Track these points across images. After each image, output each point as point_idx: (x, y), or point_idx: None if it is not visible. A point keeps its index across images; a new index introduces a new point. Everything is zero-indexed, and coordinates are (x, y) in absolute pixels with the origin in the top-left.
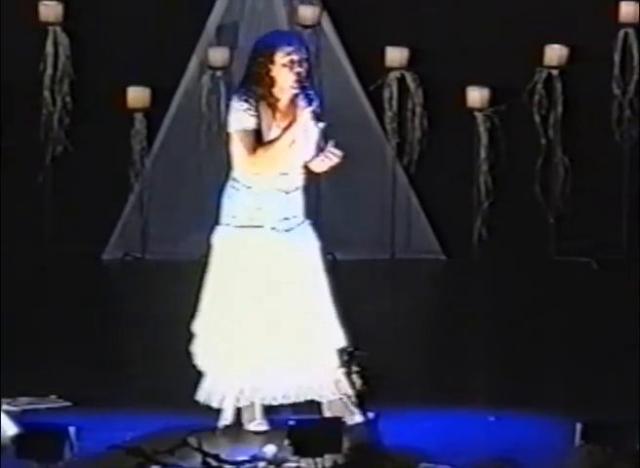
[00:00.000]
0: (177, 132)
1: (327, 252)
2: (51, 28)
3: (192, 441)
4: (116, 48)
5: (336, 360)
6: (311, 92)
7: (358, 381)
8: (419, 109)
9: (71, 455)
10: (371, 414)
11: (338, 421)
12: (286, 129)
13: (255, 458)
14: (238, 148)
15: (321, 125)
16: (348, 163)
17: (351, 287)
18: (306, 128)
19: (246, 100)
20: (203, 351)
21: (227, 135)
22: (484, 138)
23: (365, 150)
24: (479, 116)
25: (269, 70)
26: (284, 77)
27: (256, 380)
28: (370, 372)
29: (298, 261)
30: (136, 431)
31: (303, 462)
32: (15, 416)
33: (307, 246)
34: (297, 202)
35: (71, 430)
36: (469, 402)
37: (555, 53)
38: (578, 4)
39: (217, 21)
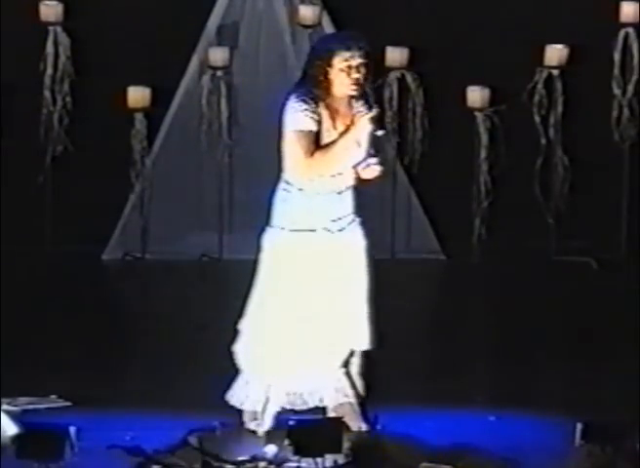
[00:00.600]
0: (177, 132)
1: None
2: (51, 28)
3: (192, 441)
4: (117, 48)
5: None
6: (371, 97)
7: (358, 381)
8: (419, 109)
9: (71, 455)
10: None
11: (338, 421)
12: (343, 133)
13: (255, 458)
14: (294, 149)
15: (380, 132)
16: None
17: None
18: (363, 133)
19: (305, 101)
20: (245, 351)
21: (280, 134)
22: (484, 138)
23: None
24: (479, 116)
25: (327, 74)
26: (342, 81)
27: (297, 384)
28: (370, 372)
29: (347, 261)
30: (136, 431)
31: (304, 462)
32: (15, 416)
33: (356, 244)
34: (347, 200)
35: (71, 430)
36: (469, 402)
37: (555, 53)
38: (578, 4)
39: (217, 21)
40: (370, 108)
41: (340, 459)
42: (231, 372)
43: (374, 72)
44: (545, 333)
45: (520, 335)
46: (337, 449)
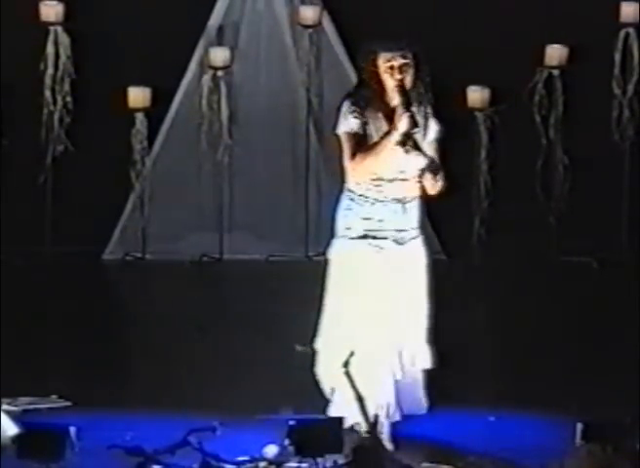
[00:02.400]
0: (177, 132)
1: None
2: (52, 28)
3: (192, 440)
4: (117, 48)
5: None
6: (417, 99)
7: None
8: None
9: (72, 455)
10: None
11: (338, 421)
12: (385, 135)
13: (255, 458)
14: (343, 151)
15: (416, 130)
16: None
17: None
18: (412, 135)
19: (354, 103)
20: (325, 372)
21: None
22: (484, 138)
23: None
24: (479, 116)
25: (373, 75)
26: (386, 83)
27: (377, 398)
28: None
29: (409, 276)
30: (136, 431)
31: (304, 462)
32: (15, 416)
33: (418, 260)
34: (412, 213)
35: (72, 430)
36: (469, 402)
37: (556, 52)
38: (578, 4)
39: (217, 21)
40: (408, 109)
41: (340, 459)
42: (232, 372)
43: (426, 74)
44: (546, 333)
45: (520, 335)
46: (337, 449)
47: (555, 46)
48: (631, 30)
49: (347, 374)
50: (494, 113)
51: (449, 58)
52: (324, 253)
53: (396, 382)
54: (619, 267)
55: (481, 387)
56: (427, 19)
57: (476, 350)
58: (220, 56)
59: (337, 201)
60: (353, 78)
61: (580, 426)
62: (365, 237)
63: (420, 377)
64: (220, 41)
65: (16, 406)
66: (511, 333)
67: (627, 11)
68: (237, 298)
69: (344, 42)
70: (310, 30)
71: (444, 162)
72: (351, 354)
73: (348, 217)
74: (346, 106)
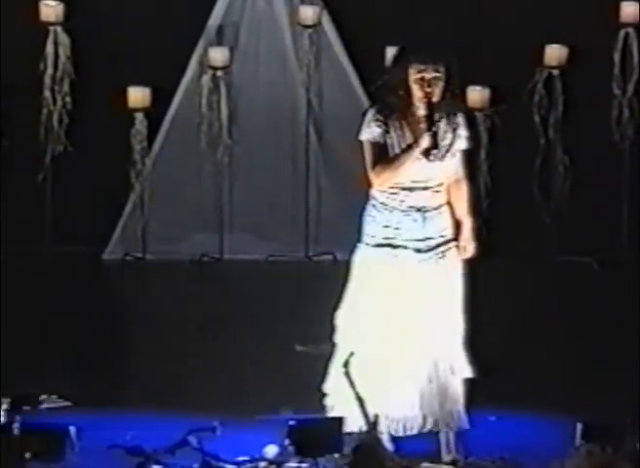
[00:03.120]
0: (177, 132)
1: (327, 251)
2: (51, 28)
3: (192, 440)
4: (116, 48)
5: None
6: (445, 111)
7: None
8: None
9: (72, 455)
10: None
11: (338, 421)
12: (406, 150)
13: (255, 458)
14: (365, 160)
15: (434, 152)
16: (349, 162)
17: None
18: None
19: (378, 111)
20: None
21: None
22: (484, 138)
23: None
24: (479, 116)
25: (402, 83)
26: (414, 93)
27: (394, 410)
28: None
29: (439, 285)
30: (136, 431)
31: (304, 462)
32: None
33: (445, 270)
34: (437, 222)
35: (72, 430)
36: (470, 402)
37: (555, 52)
38: (578, 4)
39: (217, 21)
40: (430, 127)
41: (341, 459)
42: (232, 372)
43: (456, 86)
44: (545, 333)
45: (520, 335)
46: (337, 449)
47: (555, 46)
48: (631, 30)
49: (347, 374)
50: (494, 113)
51: (431, 52)
52: (324, 254)
53: (429, 392)
54: (619, 267)
55: (480, 387)
56: (427, 18)
57: (476, 350)
58: (219, 56)
59: (337, 201)
60: (353, 77)
61: (579, 426)
62: (384, 245)
63: (458, 388)
64: (219, 41)
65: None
66: (511, 333)
67: (627, 11)
68: (237, 298)
69: (344, 42)
70: (310, 30)
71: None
72: (351, 354)
73: (370, 225)
74: (371, 114)
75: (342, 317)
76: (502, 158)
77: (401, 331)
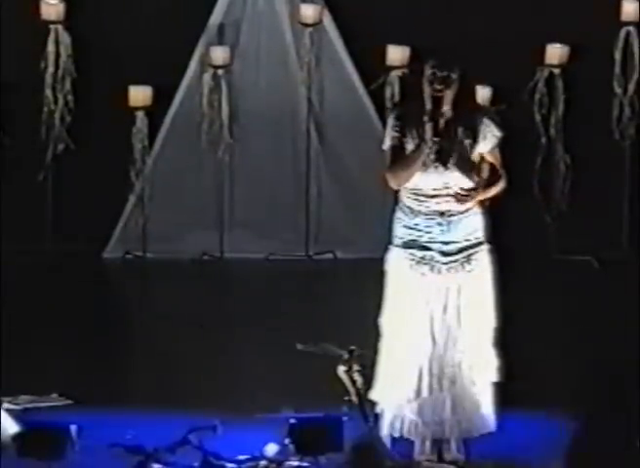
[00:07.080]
0: (178, 130)
1: (328, 250)
2: (52, 27)
3: (193, 439)
4: (118, 46)
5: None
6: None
7: (359, 379)
8: None
9: (72, 453)
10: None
11: (338, 420)
12: (415, 150)
13: (256, 457)
14: (386, 163)
15: (436, 164)
16: (349, 162)
17: (352, 285)
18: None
19: (396, 117)
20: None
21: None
22: None
23: (366, 148)
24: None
25: (417, 83)
26: (425, 90)
27: (429, 415)
28: (370, 371)
29: (466, 288)
30: (136, 429)
31: (305, 461)
32: (16, 415)
33: (472, 273)
34: (462, 226)
35: (72, 428)
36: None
37: (556, 51)
38: (579, 3)
39: (218, 20)
40: (436, 133)
41: (341, 459)
42: (232, 371)
43: (462, 104)
44: (546, 332)
45: (520, 334)
46: (337, 448)
47: (556, 45)
48: (632, 29)
49: (347, 374)
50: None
51: (450, 57)
52: (324, 253)
53: (455, 396)
54: (619, 266)
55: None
56: (428, 18)
57: None
58: (220, 54)
59: (338, 200)
60: (354, 76)
61: (579, 426)
62: (407, 247)
63: (481, 393)
64: (220, 40)
65: (16, 404)
66: (511, 333)
67: (628, 9)
68: (237, 297)
69: (345, 40)
70: (311, 29)
71: None
72: (351, 354)
73: (397, 227)
74: (391, 121)
75: (387, 322)
76: (503, 157)
77: (427, 333)
